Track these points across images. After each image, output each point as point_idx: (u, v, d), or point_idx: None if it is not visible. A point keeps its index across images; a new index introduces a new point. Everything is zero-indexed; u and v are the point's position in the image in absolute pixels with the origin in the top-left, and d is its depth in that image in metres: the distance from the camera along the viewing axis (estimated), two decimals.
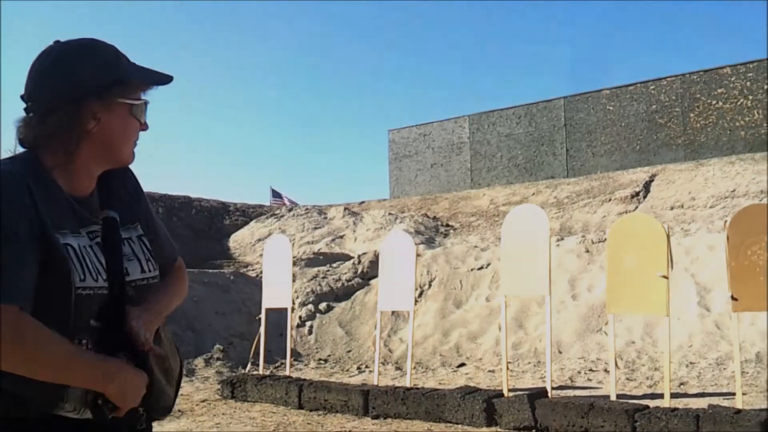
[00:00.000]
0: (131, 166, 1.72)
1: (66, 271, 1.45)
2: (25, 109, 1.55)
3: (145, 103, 1.63)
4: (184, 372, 9.27)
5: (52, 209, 1.49)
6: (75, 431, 1.51)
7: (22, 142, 1.55)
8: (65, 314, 1.45)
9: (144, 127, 1.65)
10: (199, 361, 9.81)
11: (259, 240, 16.15)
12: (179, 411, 7.29)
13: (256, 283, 11.33)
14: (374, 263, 11.61)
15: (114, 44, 1.62)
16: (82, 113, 1.52)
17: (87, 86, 1.52)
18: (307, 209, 18.71)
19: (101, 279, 1.52)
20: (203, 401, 7.91)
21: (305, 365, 10.19)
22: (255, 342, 9.35)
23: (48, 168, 1.52)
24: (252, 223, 17.88)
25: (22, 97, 1.55)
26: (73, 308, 1.46)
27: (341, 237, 16.21)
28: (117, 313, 1.53)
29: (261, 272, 10.71)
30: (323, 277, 12.45)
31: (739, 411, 5.38)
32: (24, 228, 1.42)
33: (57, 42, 1.58)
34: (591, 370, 8.52)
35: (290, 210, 18.96)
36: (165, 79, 1.63)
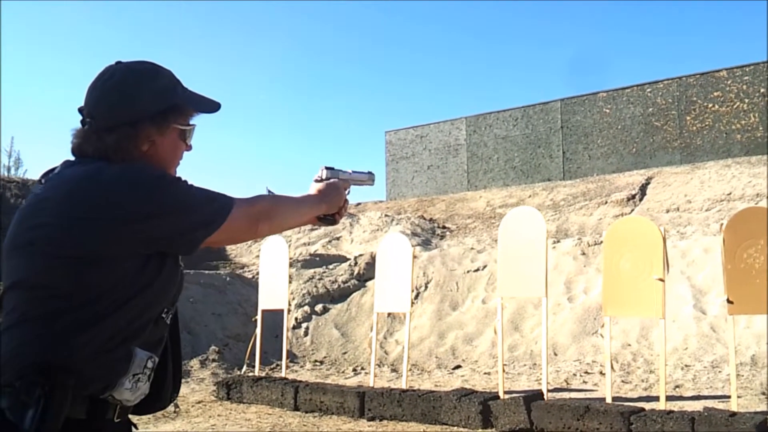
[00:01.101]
0: None
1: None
2: (82, 122, 1.66)
3: (194, 127, 1.76)
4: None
5: None
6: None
7: (79, 152, 1.65)
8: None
9: (189, 148, 1.78)
10: (195, 363, 9.80)
11: (256, 241, 16.14)
12: (174, 412, 7.28)
13: (253, 285, 11.32)
14: (371, 265, 11.62)
15: (170, 69, 1.75)
16: (138, 135, 1.64)
17: (145, 111, 1.64)
18: None
19: None
20: (199, 402, 7.90)
21: (301, 367, 10.18)
22: (251, 343, 9.34)
23: None
24: None
25: (80, 110, 1.66)
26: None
27: (338, 238, 16.21)
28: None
29: (257, 274, 10.70)
30: (319, 279, 12.44)
31: (734, 414, 5.39)
32: None
33: (119, 63, 1.69)
34: (587, 372, 8.52)
35: None
36: (215, 107, 1.77)
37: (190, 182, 1.66)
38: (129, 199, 1.55)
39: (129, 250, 1.55)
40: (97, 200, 1.54)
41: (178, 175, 1.73)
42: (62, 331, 1.52)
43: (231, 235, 1.73)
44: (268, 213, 1.76)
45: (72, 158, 1.67)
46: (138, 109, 1.64)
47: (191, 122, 1.75)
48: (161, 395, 1.76)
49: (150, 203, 1.56)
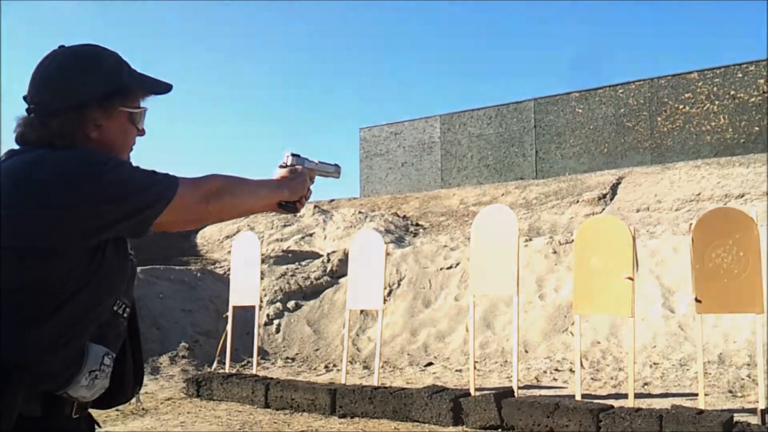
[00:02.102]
0: None
1: None
2: (27, 110, 1.61)
3: (144, 110, 1.71)
4: (149, 370, 9.21)
5: None
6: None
7: (22, 141, 1.61)
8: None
9: (141, 132, 1.73)
10: (165, 359, 9.70)
11: (227, 237, 16.03)
12: (143, 409, 7.20)
13: (224, 281, 11.24)
14: (343, 262, 11.59)
15: (116, 51, 1.70)
16: (83, 119, 1.59)
17: (90, 94, 1.59)
18: None
19: None
20: (168, 399, 7.82)
21: (272, 364, 10.13)
22: (221, 340, 9.27)
23: None
24: None
25: (24, 98, 1.61)
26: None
27: (311, 235, 16.15)
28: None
29: (229, 269, 10.63)
30: (292, 275, 12.39)
31: (701, 412, 5.46)
32: None
33: (61, 47, 1.64)
34: (557, 369, 8.59)
35: None
36: (164, 88, 1.72)
37: (134, 165, 1.63)
38: (73, 186, 1.50)
39: (76, 239, 1.50)
40: (42, 189, 1.49)
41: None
42: (12, 327, 1.47)
43: (181, 215, 1.65)
44: (219, 191, 1.70)
45: (15, 147, 1.63)
46: (81, 92, 1.59)
47: (141, 105, 1.70)
48: (123, 389, 1.72)
49: (95, 188, 1.51)
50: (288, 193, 1.97)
